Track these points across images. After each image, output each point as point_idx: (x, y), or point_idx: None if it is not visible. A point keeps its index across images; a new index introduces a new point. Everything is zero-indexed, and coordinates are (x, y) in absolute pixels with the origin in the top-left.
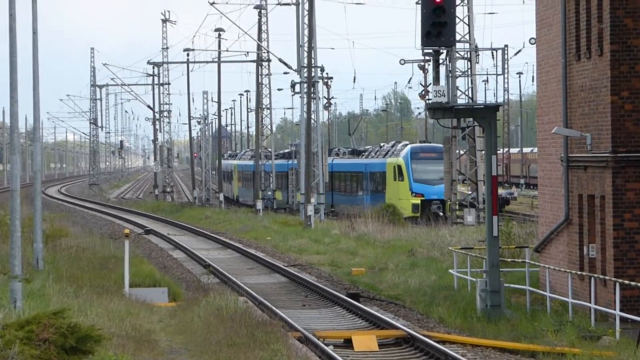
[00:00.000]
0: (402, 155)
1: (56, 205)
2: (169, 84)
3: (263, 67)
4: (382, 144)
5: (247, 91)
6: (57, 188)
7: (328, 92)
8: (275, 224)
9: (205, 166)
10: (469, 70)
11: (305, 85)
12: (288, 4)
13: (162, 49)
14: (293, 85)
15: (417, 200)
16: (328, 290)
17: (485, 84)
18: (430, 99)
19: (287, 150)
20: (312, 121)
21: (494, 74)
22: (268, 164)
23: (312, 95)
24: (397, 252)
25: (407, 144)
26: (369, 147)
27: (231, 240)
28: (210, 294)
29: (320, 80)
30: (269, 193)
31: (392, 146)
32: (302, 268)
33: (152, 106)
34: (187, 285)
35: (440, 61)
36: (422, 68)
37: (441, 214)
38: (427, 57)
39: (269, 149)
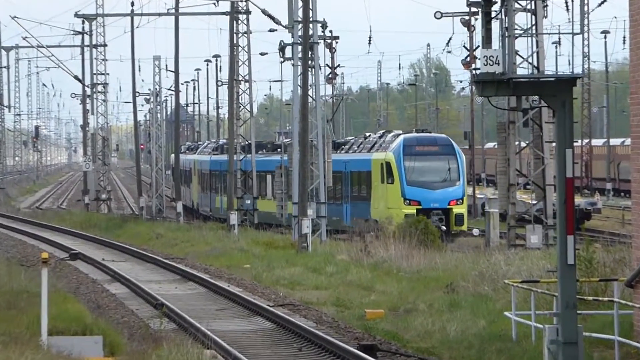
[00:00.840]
0: (392, 149)
1: None
2: (105, 45)
3: (240, 21)
4: (367, 134)
5: (216, 56)
6: None
7: (333, 58)
8: (257, 245)
9: (156, 163)
10: (534, 27)
11: (300, 48)
12: None
13: None
14: (282, 48)
15: (412, 210)
16: (332, 341)
17: (556, 47)
18: (478, 69)
19: (273, 142)
20: (310, 99)
21: (568, 33)
22: (247, 160)
23: (309, 62)
24: (430, 287)
25: (400, 134)
26: (350, 138)
27: (194, 269)
28: (163, 346)
29: (322, 42)
30: (248, 202)
31: (381, 137)
32: (295, 309)
33: (80, 78)
34: (131, 333)
35: (493, 14)
36: (467, 24)
37: (444, 228)
38: (473, 9)
39: (248, 140)
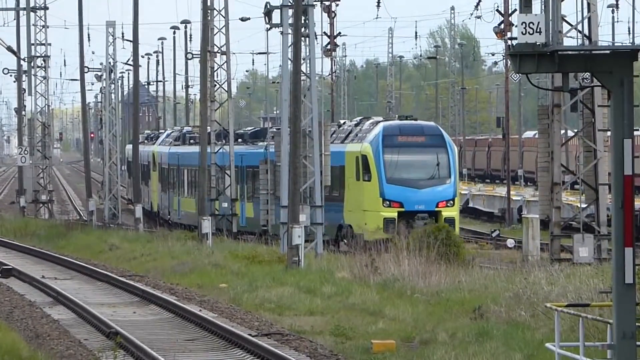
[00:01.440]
0: (370, 140)
1: None
2: (46, 8)
3: None
4: (341, 121)
5: (185, 22)
6: None
7: (332, 25)
8: (236, 259)
9: (110, 157)
10: None
11: (291, 11)
12: None
13: None
14: (268, 12)
15: (393, 213)
16: None
17: (613, 12)
18: (515, 39)
19: (256, 129)
20: (303, 77)
21: None
22: (223, 153)
23: (302, 30)
24: (453, 312)
25: (380, 122)
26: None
27: (157, 289)
28: None
29: (319, 4)
30: (225, 205)
31: (357, 125)
32: (284, 339)
33: (15, 49)
34: None
35: None
36: None
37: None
38: None
39: (225, 127)
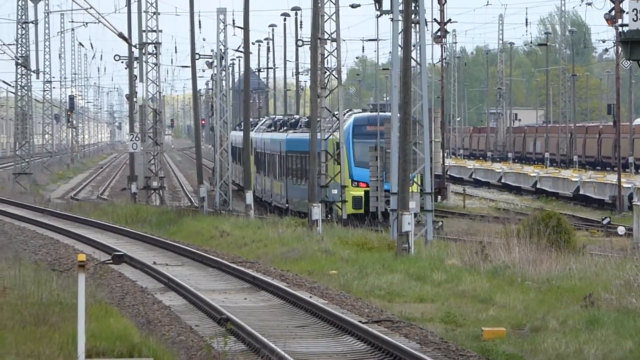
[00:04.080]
0: (344, 129)
1: None
2: None
3: None
4: (336, 112)
5: (296, 9)
6: None
7: (442, 11)
8: (346, 246)
9: (221, 143)
10: None
11: None
12: None
13: None
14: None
15: (360, 192)
16: None
17: None
18: (626, 25)
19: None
20: (413, 63)
21: None
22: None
23: (413, 16)
24: (563, 300)
25: (353, 114)
26: (298, 116)
27: (267, 276)
28: None
29: None
30: (334, 192)
31: (345, 115)
32: (394, 326)
33: (126, 36)
34: (189, 356)
35: None
36: None
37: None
38: None
39: (334, 112)
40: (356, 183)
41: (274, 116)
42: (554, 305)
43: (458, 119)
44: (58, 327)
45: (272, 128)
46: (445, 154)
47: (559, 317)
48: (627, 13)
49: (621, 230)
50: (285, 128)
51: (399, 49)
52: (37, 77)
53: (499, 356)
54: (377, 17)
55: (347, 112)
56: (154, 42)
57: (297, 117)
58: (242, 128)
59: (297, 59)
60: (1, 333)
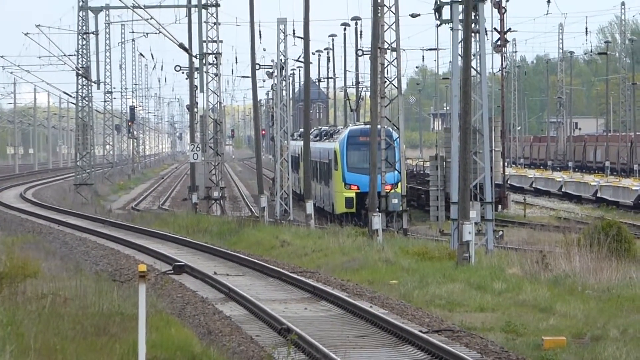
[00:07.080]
0: (339, 140)
1: (17, 220)
2: (217, 5)
3: None
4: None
5: (356, 19)
6: (18, 191)
7: (502, 21)
8: (407, 256)
9: (281, 154)
10: None
11: (462, 7)
12: None
13: None
14: (438, 8)
15: (351, 194)
16: None
17: None
18: None
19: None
20: (473, 72)
21: None
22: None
23: (473, 26)
24: (623, 308)
25: (349, 127)
26: (340, 127)
27: (327, 286)
28: None
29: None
30: (395, 201)
31: (345, 127)
32: (455, 335)
33: (187, 46)
34: None
35: None
36: None
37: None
38: None
39: (394, 122)
40: (348, 186)
41: (320, 127)
42: (614, 314)
43: (518, 128)
44: (119, 338)
45: (317, 138)
46: (506, 163)
47: (619, 326)
48: None
49: None
50: (325, 138)
51: (459, 58)
52: (98, 88)
53: None
54: (437, 26)
55: (346, 125)
56: (215, 52)
57: (339, 127)
58: (294, 138)
59: (357, 69)
60: (63, 344)
